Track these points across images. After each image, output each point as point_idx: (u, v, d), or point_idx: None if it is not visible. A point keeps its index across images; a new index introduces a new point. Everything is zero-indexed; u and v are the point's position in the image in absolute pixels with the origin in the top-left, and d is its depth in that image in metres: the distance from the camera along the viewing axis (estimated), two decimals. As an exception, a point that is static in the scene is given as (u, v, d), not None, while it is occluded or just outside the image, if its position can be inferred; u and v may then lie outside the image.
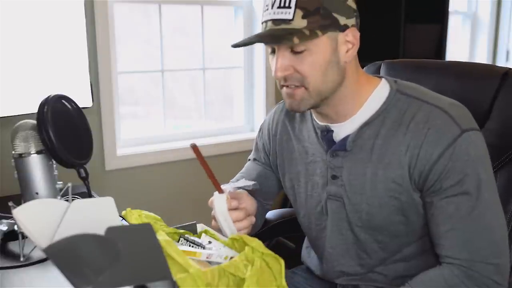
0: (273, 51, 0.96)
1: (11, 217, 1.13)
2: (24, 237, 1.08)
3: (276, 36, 0.92)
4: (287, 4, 0.90)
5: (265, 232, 1.31)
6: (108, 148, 2.08)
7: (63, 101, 1.13)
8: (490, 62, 3.66)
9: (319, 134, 1.05)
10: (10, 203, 1.05)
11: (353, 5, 0.95)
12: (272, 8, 0.92)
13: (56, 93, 1.11)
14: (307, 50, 0.92)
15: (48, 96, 1.09)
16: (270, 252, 0.86)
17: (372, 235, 1.02)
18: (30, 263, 1.05)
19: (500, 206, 0.95)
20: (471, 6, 3.64)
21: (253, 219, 1.04)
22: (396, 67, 1.30)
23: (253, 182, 1.06)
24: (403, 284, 0.96)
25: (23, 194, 1.11)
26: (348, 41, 0.95)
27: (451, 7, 2.98)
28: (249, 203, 1.05)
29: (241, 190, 1.06)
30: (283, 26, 0.91)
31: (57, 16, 1.60)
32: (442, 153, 0.91)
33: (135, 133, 2.30)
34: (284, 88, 0.98)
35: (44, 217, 0.75)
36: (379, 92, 1.00)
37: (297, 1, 0.90)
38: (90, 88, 1.71)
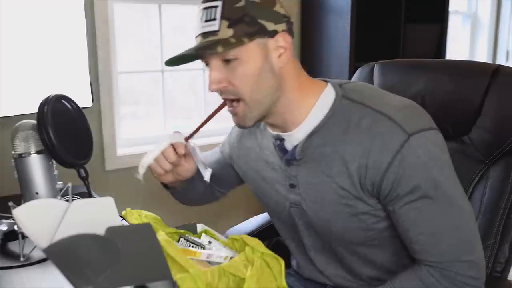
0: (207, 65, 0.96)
1: (11, 217, 1.13)
2: (24, 237, 1.08)
3: (200, 48, 0.92)
4: (212, 17, 0.90)
5: (265, 232, 1.31)
6: (108, 148, 2.08)
7: (63, 101, 1.13)
8: (490, 62, 3.66)
9: (273, 142, 1.04)
10: (10, 203, 1.05)
11: (282, 11, 0.94)
12: (201, 22, 0.93)
13: (56, 93, 1.11)
14: (238, 59, 0.91)
15: (48, 96, 1.09)
16: (270, 252, 0.86)
17: (338, 241, 1.02)
18: (30, 263, 1.05)
19: (466, 200, 0.93)
20: (471, 6, 3.64)
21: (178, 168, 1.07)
22: (389, 67, 1.30)
23: (209, 173, 1.09)
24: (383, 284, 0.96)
25: (23, 194, 1.11)
26: (280, 46, 0.94)
27: (451, 7, 2.98)
28: (190, 164, 1.08)
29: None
30: (211, 38, 0.91)
31: (57, 16, 1.60)
32: (391, 161, 0.89)
33: (135, 133, 2.30)
34: (226, 106, 0.98)
35: (44, 217, 0.75)
36: (324, 98, 0.97)
37: (222, 12, 0.90)
38: (90, 88, 1.72)
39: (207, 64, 0.96)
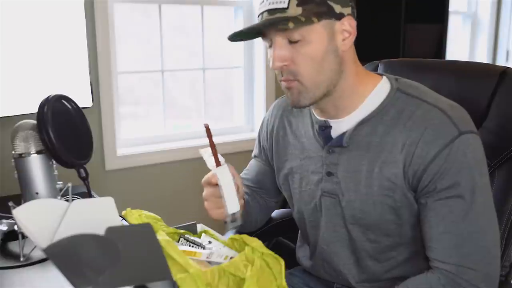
0: (271, 45, 0.96)
1: (11, 217, 1.13)
2: (24, 237, 1.08)
3: (271, 23, 0.91)
4: None
5: (265, 232, 1.31)
6: (108, 148, 2.08)
7: (63, 101, 1.13)
8: (490, 62, 3.66)
9: (317, 129, 1.04)
10: (10, 203, 1.04)
11: None
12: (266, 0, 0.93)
13: (56, 93, 1.11)
14: (304, 40, 0.92)
15: (48, 96, 1.08)
16: (270, 252, 0.86)
17: (365, 233, 1.02)
18: (30, 263, 1.05)
19: (494, 213, 0.93)
20: (471, 6, 3.64)
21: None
22: (393, 67, 1.29)
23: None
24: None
25: (23, 194, 1.11)
26: (345, 29, 0.94)
27: (451, 7, 2.98)
28: (240, 181, 1.04)
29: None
30: (278, 14, 0.91)
31: (57, 16, 1.60)
32: (438, 153, 0.90)
33: (135, 133, 2.30)
34: (283, 82, 0.98)
35: (44, 217, 0.74)
36: (379, 90, 0.99)
37: None
38: (90, 88, 1.72)
39: (270, 45, 0.97)
